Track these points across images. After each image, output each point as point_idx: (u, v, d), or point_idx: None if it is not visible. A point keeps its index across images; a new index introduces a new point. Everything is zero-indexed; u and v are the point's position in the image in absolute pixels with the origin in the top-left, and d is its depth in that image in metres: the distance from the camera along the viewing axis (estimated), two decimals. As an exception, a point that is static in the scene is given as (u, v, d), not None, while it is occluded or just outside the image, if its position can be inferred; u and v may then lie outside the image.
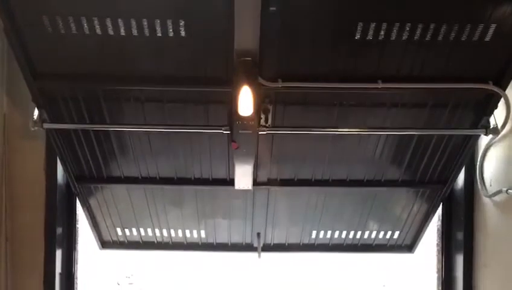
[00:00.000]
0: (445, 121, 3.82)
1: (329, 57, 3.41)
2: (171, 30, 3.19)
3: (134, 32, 3.20)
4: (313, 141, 3.98)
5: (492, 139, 4.05)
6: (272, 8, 3.03)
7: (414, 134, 3.93)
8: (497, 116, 3.84)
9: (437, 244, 4.91)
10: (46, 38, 3.27)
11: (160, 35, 3.22)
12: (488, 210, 4.21)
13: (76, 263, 4.81)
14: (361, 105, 3.72)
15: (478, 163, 4.22)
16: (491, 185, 4.13)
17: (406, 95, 3.64)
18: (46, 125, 3.76)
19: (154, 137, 3.94)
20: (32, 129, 3.73)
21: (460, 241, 4.54)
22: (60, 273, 4.54)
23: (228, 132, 3.66)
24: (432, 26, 3.21)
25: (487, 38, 3.27)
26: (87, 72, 3.49)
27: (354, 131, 3.88)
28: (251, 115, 3.37)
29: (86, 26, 3.18)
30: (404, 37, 3.26)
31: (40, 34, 3.25)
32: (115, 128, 3.91)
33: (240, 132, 3.51)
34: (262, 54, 3.27)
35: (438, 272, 4.91)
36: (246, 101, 3.28)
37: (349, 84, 3.52)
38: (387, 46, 3.32)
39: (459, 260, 4.55)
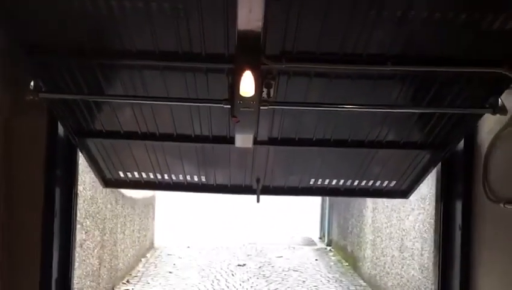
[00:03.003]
0: (453, 96, 3.76)
1: (338, 37, 3.28)
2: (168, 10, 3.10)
3: (129, 12, 3.11)
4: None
5: (497, 137, 4.00)
6: None
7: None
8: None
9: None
10: (34, 13, 3.19)
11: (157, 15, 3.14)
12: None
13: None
14: (368, 78, 3.64)
15: (483, 162, 4.15)
16: (493, 192, 4.10)
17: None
18: (42, 95, 3.73)
19: (153, 92, 3.84)
20: (27, 99, 3.69)
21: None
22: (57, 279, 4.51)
23: (229, 106, 3.58)
24: (451, 14, 3.07)
25: (508, 27, 3.15)
26: (80, 46, 3.42)
27: (359, 108, 3.86)
28: (253, 95, 3.30)
29: (76, 4, 3.07)
30: (420, 19, 3.12)
31: (28, 9, 3.16)
32: (113, 99, 3.90)
33: (241, 109, 3.45)
34: (266, 33, 3.14)
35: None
36: (248, 84, 3.21)
37: (357, 66, 3.45)
38: (402, 27, 3.18)
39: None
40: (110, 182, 5.14)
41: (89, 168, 6.14)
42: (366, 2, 3.00)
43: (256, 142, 4.24)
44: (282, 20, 3.12)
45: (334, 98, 3.78)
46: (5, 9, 3.18)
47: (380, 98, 3.82)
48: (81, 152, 4.60)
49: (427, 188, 5.85)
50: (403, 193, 5.18)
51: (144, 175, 4.97)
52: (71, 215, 4.72)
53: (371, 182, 5.00)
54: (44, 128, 4.28)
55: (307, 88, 3.70)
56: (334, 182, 4.98)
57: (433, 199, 5.13)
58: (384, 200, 7.87)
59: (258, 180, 4.94)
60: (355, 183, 5.00)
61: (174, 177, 5.00)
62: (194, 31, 3.25)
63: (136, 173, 4.95)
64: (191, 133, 4.30)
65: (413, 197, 6.48)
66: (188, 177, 5.01)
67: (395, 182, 5.00)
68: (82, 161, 5.07)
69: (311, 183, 5.02)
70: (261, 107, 3.55)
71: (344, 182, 4.98)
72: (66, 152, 4.59)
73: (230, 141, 4.22)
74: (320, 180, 4.95)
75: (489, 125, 4.12)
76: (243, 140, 4.10)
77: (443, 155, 4.50)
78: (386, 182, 5.01)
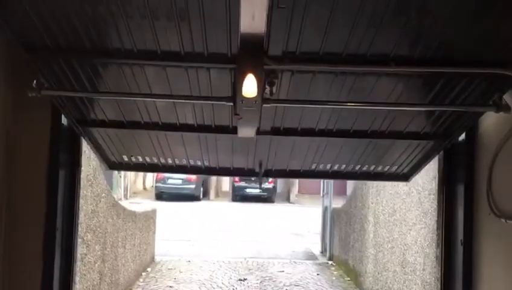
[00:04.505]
0: (457, 93, 3.76)
1: (342, 39, 3.26)
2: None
3: (129, 15, 3.09)
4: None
5: (501, 143, 3.96)
6: (281, 6, 2.91)
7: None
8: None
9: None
10: (34, 12, 3.16)
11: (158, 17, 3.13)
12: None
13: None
14: (373, 74, 3.63)
15: (487, 175, 4.10)
16: (497, 205, 4.07)
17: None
18: (44, 92, 3.71)
19: (156, 86, 3.86)
20: (30, 95, 3.66)
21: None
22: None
23: (231, 104, 3.59)
24: (456, 20, 3.08)
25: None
26: (80, 45, 3.41)
27: (363, 105, 3.88)
28: (255, 96, 3.32)
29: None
30: (428, 23, 3.13)
31: (28, 8, 3.13)
32: (115, 97, 3.94)
33: (243, 108, 3.49)
34: (269, 35, 3.14)
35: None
36: (250, 86, 3.22)
37: (360, 67, 3.45)
38: (406, 30, 3.18)
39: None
40: (114, 165, 5.23)
41: (90, 182, 6.18)
42: (370, 4, 2.98)
43: (259, 132, 4.26)
44: (285, 23, 3.12)
45: (338, 93, 3.78)
46: (5, 9, 3.19)
47: (384, 93, 3.83)
48: (85, 139, 4.64)
49: (429, 203, 5.85)
50: (405, 176, 5.23)
51: (147, 159, 5.07)
52: (73, 229, 4.69)
53: (372, 167, 5.09)
54: (47, 137, 4.24)
55: (310, 84, 3.71)
56: (336, 166, 5.06)
57: (435, 213, 5.11)
58: (386, 214, 7.88)
59: (260, 164, 5.03)
60: (357, 167, 5.08)
61: (177, 161, 5.10)
62: (196, 33, 3.25)
63: (139, 157, 5.05)
64: (194, 123, 4.35)
65: (415, 211, 6.49)
66: (192, 162, 5.11)
67: (396, 167, 5.07)
68: (83, 175, 5.08)
69: (313, 167, 5.11)
70: (264, 105, 3.58)
71: (346, 166, 5.07)
72: (70, 150, 4.58)
73: (233, 131, 4.26)
74: (322, 164, 5.04)
75: (492, 117, 4.09)
76: (246, 131, 4.15)
77: (445, 145, 4.53)
78: (387, 167, 5.10)
